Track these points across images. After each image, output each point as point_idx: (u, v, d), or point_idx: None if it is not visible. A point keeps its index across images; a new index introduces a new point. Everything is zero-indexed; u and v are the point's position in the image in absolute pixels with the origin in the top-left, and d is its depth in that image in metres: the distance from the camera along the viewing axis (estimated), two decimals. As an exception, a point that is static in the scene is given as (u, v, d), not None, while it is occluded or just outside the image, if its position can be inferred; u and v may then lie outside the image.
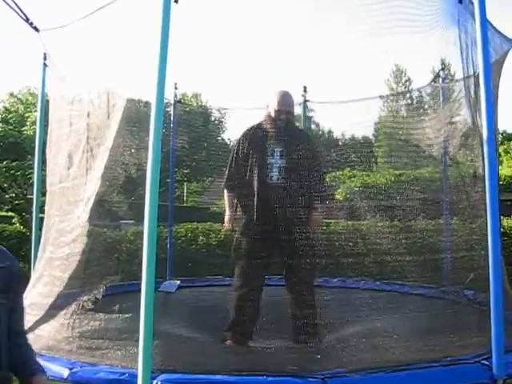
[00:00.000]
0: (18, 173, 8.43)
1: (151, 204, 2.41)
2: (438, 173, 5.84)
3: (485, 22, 2.75)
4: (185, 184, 17.99)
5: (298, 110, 8.00)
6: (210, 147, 7.82)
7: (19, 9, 3.56)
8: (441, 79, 5.41)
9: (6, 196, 9.20)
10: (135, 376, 2.35)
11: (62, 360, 2.66)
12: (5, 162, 8.50)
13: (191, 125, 6.92)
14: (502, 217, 8.44)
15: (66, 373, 2.55)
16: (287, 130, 3.86)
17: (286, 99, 3.93)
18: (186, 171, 13.29)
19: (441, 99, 5.35)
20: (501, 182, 15.86)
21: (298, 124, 4.05)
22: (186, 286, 5.61)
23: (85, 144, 3.24)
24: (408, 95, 8.25)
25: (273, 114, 3.87)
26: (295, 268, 3.61)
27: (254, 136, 3.89)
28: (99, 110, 3.20)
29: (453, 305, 4.19)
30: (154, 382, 2.38)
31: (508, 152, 23.94)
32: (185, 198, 19.47)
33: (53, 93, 4.10)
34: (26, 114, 9.10)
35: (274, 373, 2.46)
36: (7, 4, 3.59)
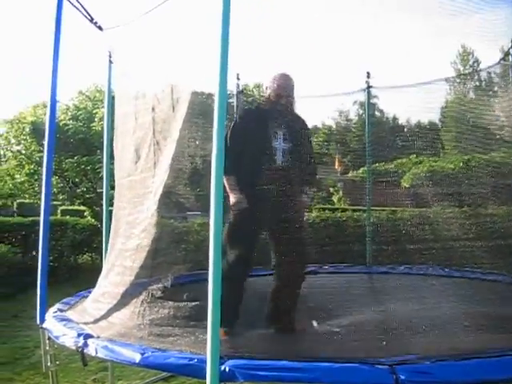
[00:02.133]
0: (88, 168, 8.77)
1: (216, 194, 2.46)
2: (510, 156, 5.63)
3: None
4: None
5: (360, 97, 7.89)
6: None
7: (84, 9, 3.68)
8: (511, 57, 5.19)
9: (78, 190, 9.60)
10: (204, 361, 2.41)
11: (133, 346, 2.76)
12: (75, 158, 8.87)
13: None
14: None
15: (137, 357, 2.64)
16: (288, 114, 3.83)
17: (286, 83, 3.88)
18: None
19: (511, 78, 5.14)
20: None
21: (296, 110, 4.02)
22: (250, 275, 5.65)
23: (151, 137, 3.34)
24: (476, 77, 7.96)
25: (273, 98, 3.82)
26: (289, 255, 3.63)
27: (253, 119, 3.85)
28: (164, 104, 3.27)
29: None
30: (222, 367, 2.42)
31: None
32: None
33: (117, 89, 4.23)
34: (94, 111, 9.44)
35: (340, 359, 2.46)
36: (74, 6, 3.73)
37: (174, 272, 3.20)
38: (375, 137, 7.97)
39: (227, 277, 3.60)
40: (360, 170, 11.88)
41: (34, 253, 8.08)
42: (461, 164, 9.46)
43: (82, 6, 3.76)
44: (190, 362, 2.53)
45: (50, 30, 3.56)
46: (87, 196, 9.37)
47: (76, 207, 11.82)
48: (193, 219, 8.47)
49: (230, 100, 7.01)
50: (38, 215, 3.73)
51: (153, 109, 3.36)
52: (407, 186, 10.83)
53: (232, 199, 3.82)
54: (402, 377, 2.29)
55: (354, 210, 9.32)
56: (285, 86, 3.86)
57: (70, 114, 9.71)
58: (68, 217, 10.14)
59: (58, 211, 13.31)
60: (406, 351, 2.59)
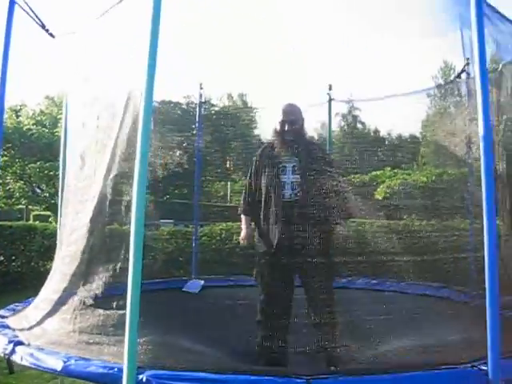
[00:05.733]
0: (51, 173, 8.72)
1: (138, 203, 2.46)
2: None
3: (481, 16, 2.67)
4: (228, 184, 18.10)
5: (343, 109, 7.95)
6: (239, 147, 7.86)
7: (36, 16, 3.69)
8: (466, 74, 5.25)
9: (42, 195, 9.55)
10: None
11: (58, 354, 2.75)
12: (38, 163, 8.82)
13: (216, 125, 6.99)
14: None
15: (59, 366, 2.64)
16: (296, 140, 3.74)
17: (288, 109, 3.83)
18: (218, 170, 13.16)
19: (466, 96, 5.19)
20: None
21: (309, 135, 3.93)
22: (209, 286, 5.69)
23: (95, 145, 3.35)
24: (443, 92, 8.03)
25: (278, 128, 3.78)
26: (315, 285, 3.53)
27: (264, 155, 3.82)
28: (107, 112, 3.28)
29: (464, 306, 4.07)
30: (140, 376, 2.41)
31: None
32: (228, 198, 19.56)
33: (70, 95, 4.24)
34: (59, 116, 9.43)
35: (258, 372, 2.46)
36: (24, 11, 3.73)
37: (106, 280, 3.17)
38: (352, 149, 8.04)
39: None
40: (335, 182, 11.92)
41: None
42: (433, 177, 9.53)
43: (35, 14, 3.76)
44: (110, 372, 2.53)
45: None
46: (52, 201, 9.32)
47: (42, 212, 11.75)
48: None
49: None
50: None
51: (98, 117, 3.37)
52: (380, 198, 10.90)
53: (243, 233, 3.94)
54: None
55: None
56: (288, 114, 3.78)
57: (35, 119, 9.69)
58: (37, 222, 10.05)
59: (31, 216, 13.22)
60: (332, 364, 2.59)
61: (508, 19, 3.43)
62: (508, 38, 3.50)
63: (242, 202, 3.91)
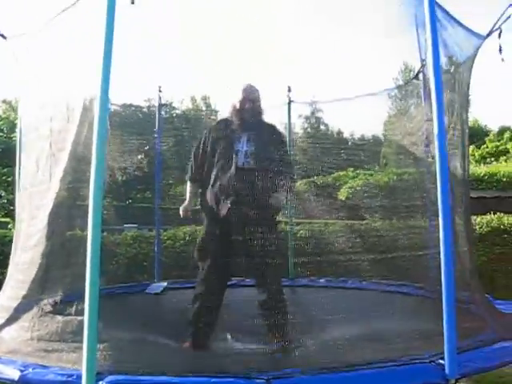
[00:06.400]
0: (10, 179, 8.51)
1: (95, 208, 2.43)
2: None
3: (434, 21, 2.74)
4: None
5: (306, 111, 7.99)
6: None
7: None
8: (423, 75, 5.33)
9: (2, 202, 9.32)
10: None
11: (15, 362, 2.69)
12: (-5, 169, 8.64)
13: (176, 128, 6.95)
14: (503, 214, 8.38)
15: (17, 375, 2.58)
16: (254, 119, 3.84)
17: (249, 90, 3.93)
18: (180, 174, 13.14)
19: (422, 98, 5.27)
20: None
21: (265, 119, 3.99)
22: (173, 288, 5.64)
23: (48, 149, 3.28)
24: (401, 94, 8.15)
25: (238, 105, 3.85)
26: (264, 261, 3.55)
27: (220, 128, 3.90)
28: (60, 115, 3.23)
29: (426, 303, 4.13)
30: (100, 383, 2.38)
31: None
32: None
33: (22, 98, 4.15)
34: (16, 121, 9.24)
35: (219, 373, 2.46)
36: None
37: (66, 286, 3.12)
38: (315, 150, 8.07)
39: (203, 289, 3.63)
40: (298, 183, 11.99)
41: None
42: (394, 177, 9.65)
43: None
44: (69, 379, 2.48)
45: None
46: (11, 208, 9.11)
47: (7, 219, 11.47)
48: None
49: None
50: None
51: (51, 119, 3.31)
52: (343, 198, 10.99)
53: (184, 205, 3.99)
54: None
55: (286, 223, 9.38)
56: (248, 94, 3.89)
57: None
58: (-2, 229, 9.78)
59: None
60: (288, 365, 2.60)
61: (457, 21, 3.52)
62: (457, 41, 3.60)
63: (191, 169, 3.94)
